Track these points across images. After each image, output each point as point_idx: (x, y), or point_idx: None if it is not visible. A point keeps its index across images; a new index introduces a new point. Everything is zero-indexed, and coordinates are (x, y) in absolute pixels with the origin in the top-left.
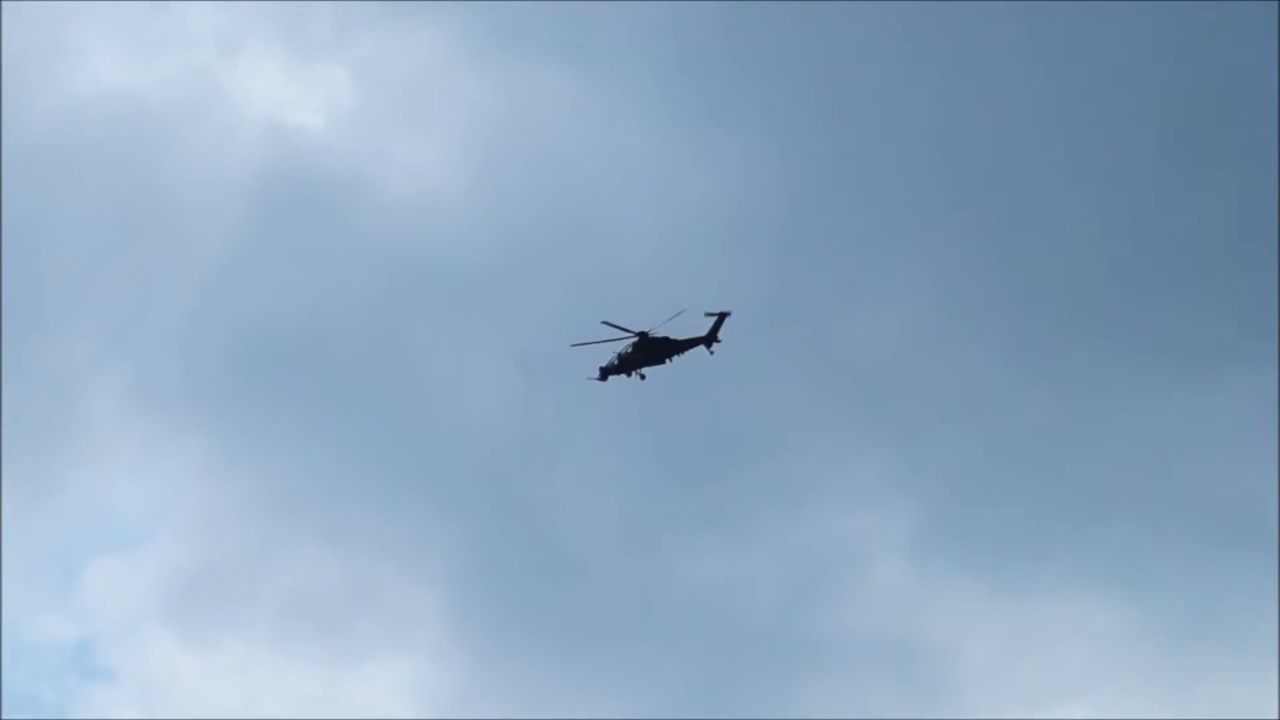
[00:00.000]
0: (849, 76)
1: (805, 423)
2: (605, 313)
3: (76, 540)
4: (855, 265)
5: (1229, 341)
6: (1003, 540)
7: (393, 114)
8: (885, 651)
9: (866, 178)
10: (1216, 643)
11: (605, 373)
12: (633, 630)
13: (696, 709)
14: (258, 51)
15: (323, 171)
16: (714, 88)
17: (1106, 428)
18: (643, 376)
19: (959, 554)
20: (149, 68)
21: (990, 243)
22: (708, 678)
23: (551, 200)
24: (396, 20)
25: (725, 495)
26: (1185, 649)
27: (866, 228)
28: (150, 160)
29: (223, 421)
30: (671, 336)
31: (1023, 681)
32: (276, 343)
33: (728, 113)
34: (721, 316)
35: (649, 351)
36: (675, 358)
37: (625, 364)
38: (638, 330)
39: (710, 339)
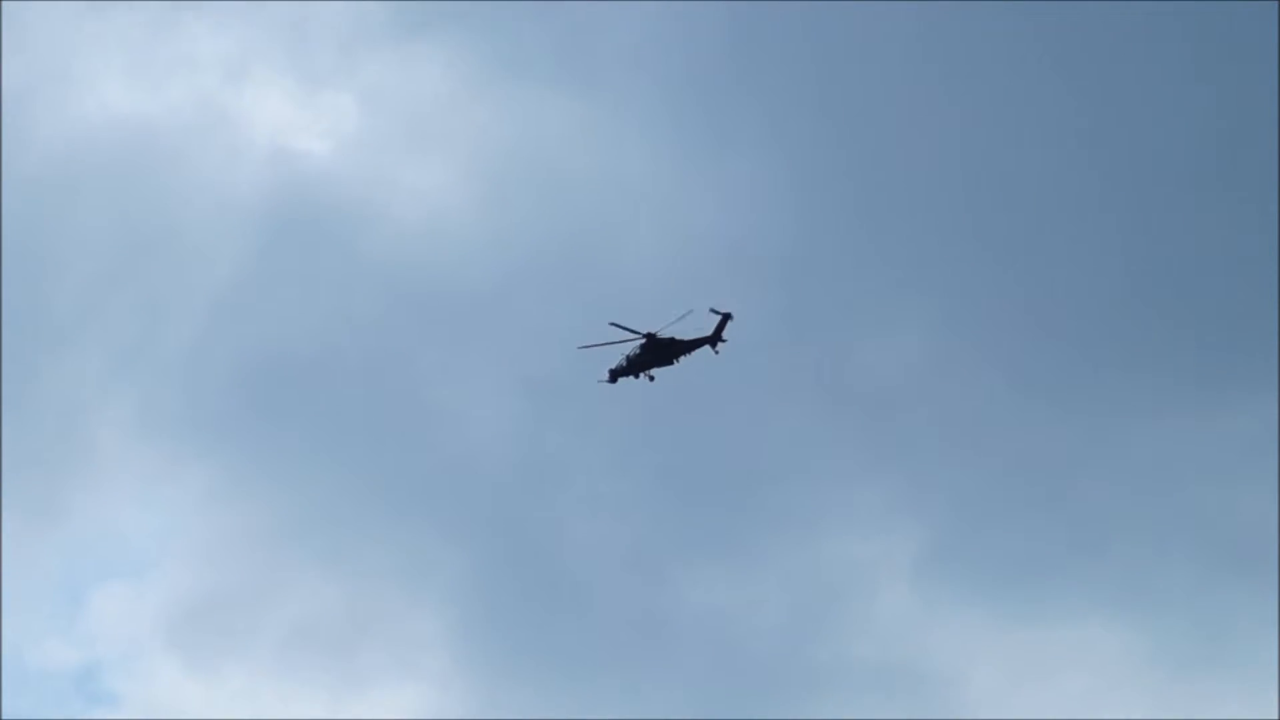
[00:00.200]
0: (857, 99)
1: (810, 448)
2: (611, 337)
3: (81, 566)
4: (861, 290)
5: (1233, 366)
6: (1007, 566)
7: (399, 139)
8: (890, 678)
9: (873, 202)
10: (1222, 669)
11: (614, 375)
12: (638, 656)
13: None
14: (264, 77)
15: (328, 197)
16: (720, 111)
17: (1111, 453)
18: (651, 378)
19: (964, 580)
20: (156, 93)
21: (995, 268)
22: (712, 703)
23: (557, 225)
24: (402, 46)
25: (730, 520)
26: (1190, 675)
27: (872, 252)
28: (157, 186)
29: (228, 447)
30: (677, 337)
31: (1027, 708)
32: (282, 368)
33: (734, 136)
34: (725, 317)
35: (656, 352)
36: (682, 358)
37: (633, 366)
38: (645, 332)
39: (715, 339)
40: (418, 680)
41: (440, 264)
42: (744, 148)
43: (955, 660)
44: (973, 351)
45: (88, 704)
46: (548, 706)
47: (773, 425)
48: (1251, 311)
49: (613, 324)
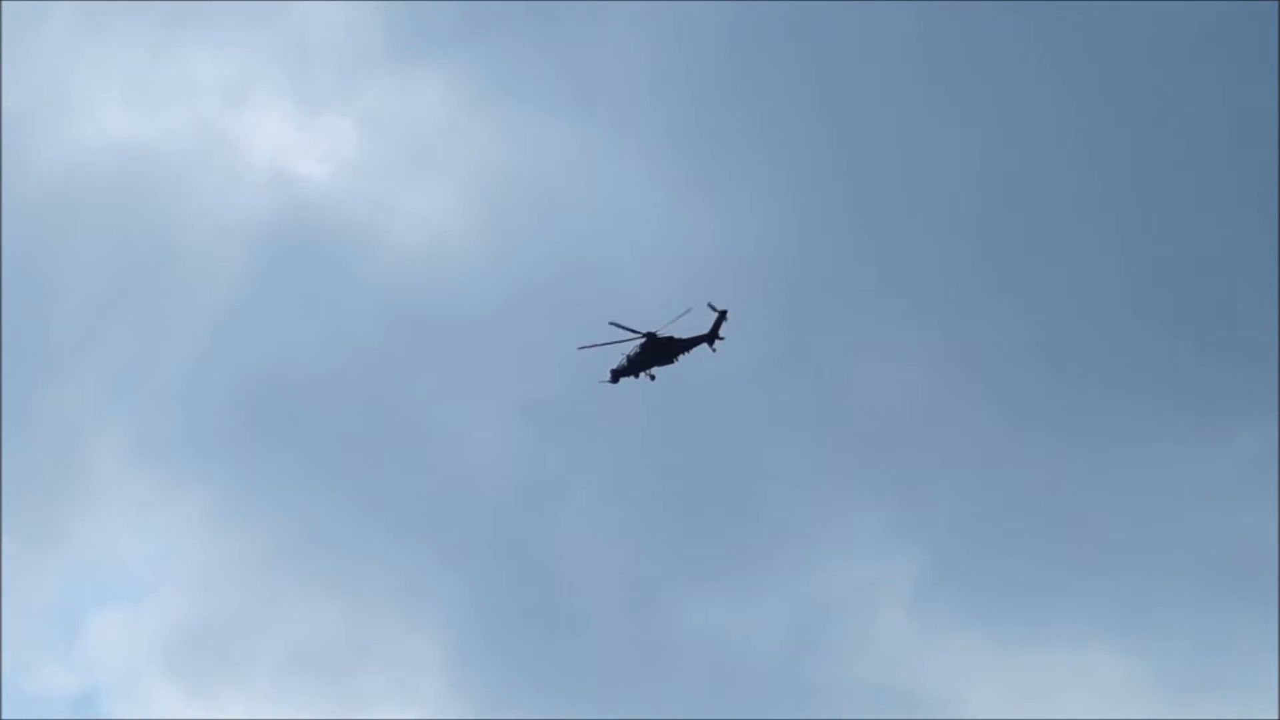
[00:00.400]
0: (858, 124)
1: (809, 471)
2: (611, 362)
3: (79, 591)
4: (860, 314)
5: (1232, 387)
6: (1006, 590)
7: (398, 164)
8: (888, 702)
9: (874, 226)
10: (1222, 693)
11: (616, 375)
12: (636, 679)
13: None
14: (263, 101)
15: (328, 221)
16: (719, 135)
17: (1110, 476)
18: (652, 377)
19: (962, 604)
20: (155, 117)
21: (994, 292)
22: None
23: (556, 248)
24: (402, 70)
25: (729, 544)
26: (1191, 699)
27: (872, 276)
28: (156, 209)
29: (227, 471)
30: (676, 336)
31: None
32: (281, 392)
33: (733, 160)
34: (721, 314)
35: (656, 351)
36: (681, 356)
37: (634, 365)
38: (645, 331)
39: (712, 336)
40: (416, 704)
41: (439, 287)
42: (743, 171)
43: (953, 684)
44: (971, 375)
45: None
46: None
47: (772, 448)
48: (1250, 332)
49: (612, 323)
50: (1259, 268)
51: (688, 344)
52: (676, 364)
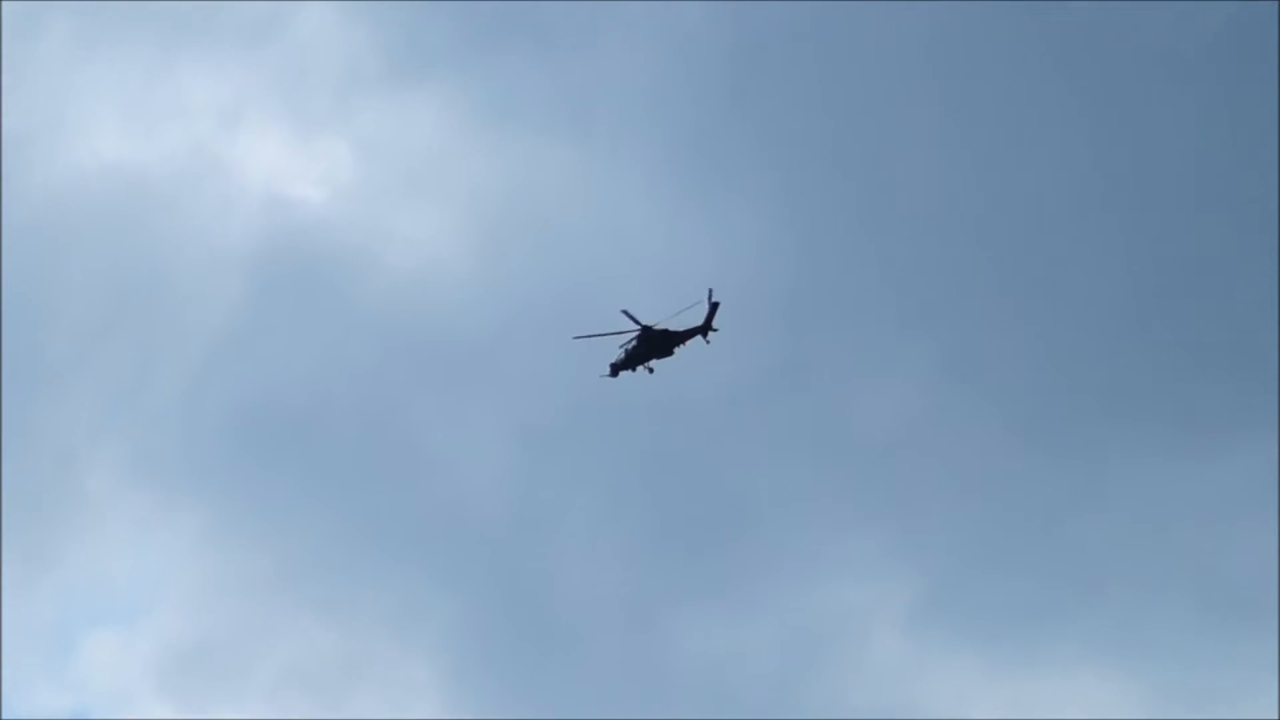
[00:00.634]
0: (855, 147)
1: (805, 494)
2: (606, 387)
3: (72, 612)
4: (856, 337)
5: (1230, 410)
6: (1002, 613)
7: (393, 187)
8: None
9: (871, 249)
10: (1219, 716)
11: (615, 369)
12: (632, 701)
13: None
14: (258, 124)
15: (323, 245)
16: (716, 158)
17: (1106, 498)
18: (650, 370)
19: (958, 627)
20: (149, 140)
21: (991, 314)
22: None
23: (553, 273)
24: (397, 93)
25: (724, 567)
26: None
27: (869, 299)
28: (150, 233)
29: (221, 494)
30: (671, 328)
31: None
32: (275, 415)
33: (730, 183)
34: (714, 305)
35: (653, 344)
36: (678, 348)
37: (632, 359)
38: (642, 324)
39: (706, 328)
40: None
41: (434, 311)
42: (740, 195)
43: (949, 707)
44: (968, 398)
45: None
46: None
47: (767, 470)
48: (1248, 352)
49: (624, 312)
50: (1259, 284)
51: (683, 336)
52: (674, 356)
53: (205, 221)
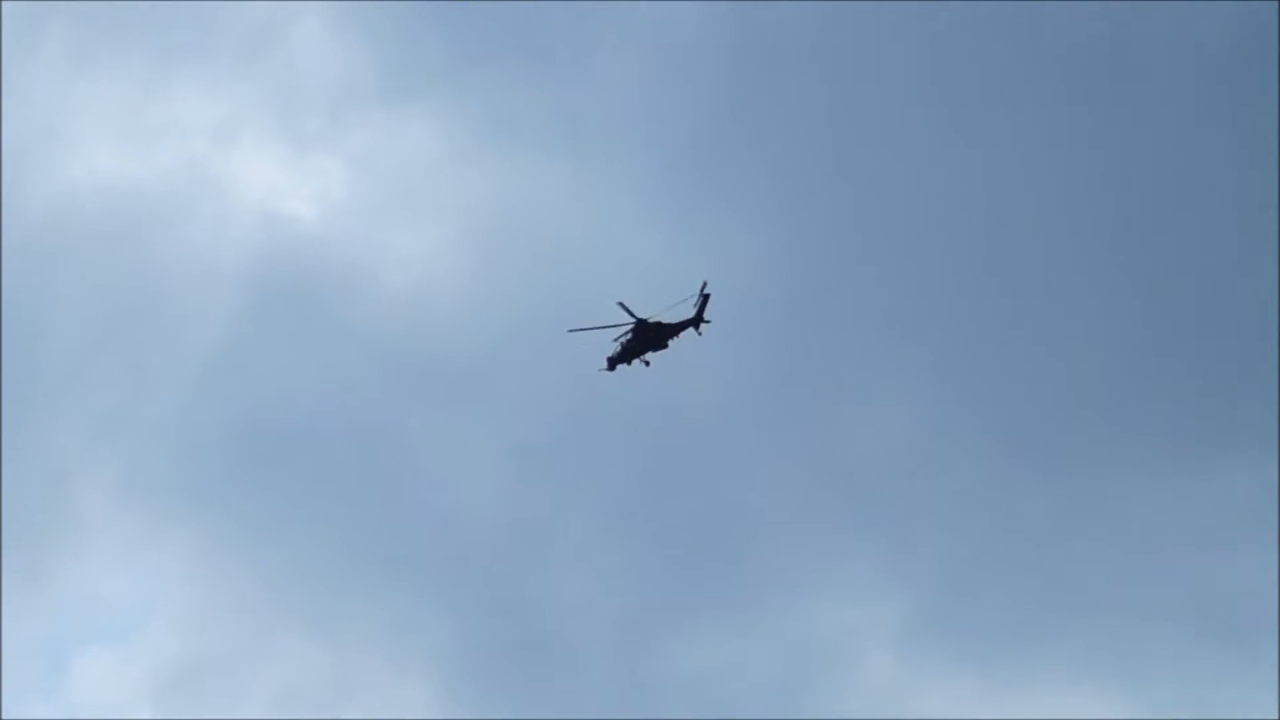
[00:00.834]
0: (851, 166)
1: (799, 513)
2: (600, 404)
3: (66, 631)
4: (852, 356)
5: (1224, 429)
6: (995, 633)
7: (387, 204)
8: None
9: (865, 269)
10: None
11: (612, 363)
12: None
13: None
14: (252, 142)
15: (317, 262)
16: (711, 175)
17: (1100, 518)
18: (647, 363)
19: (951, 646)
20: (144, 158)
21: (985, 335)
22: None
23: (547, 289)
24: (390, 111)
25: (718, 585)
26: None
27: (864, 319)
28: (145, 250)
29: (213, 512)
30: (664, 321)
31: None
32: (269, 433)
33: (725, 202)
34: (705, 297)
35: (647, 336)
36: (671, 341)
37: (628, 352)
38: (636, 317)
39: (698, 320)
40: None
41: (428, 328)
42: (735, 210)
43: None
44: (961, 418)
45: None
46: None
47: (761, 491)
48: (1246, 371)
49: (619, 303)
50: (1257, 302)
51: (676, 328)
52: (668, 348)
53: (200, 238)
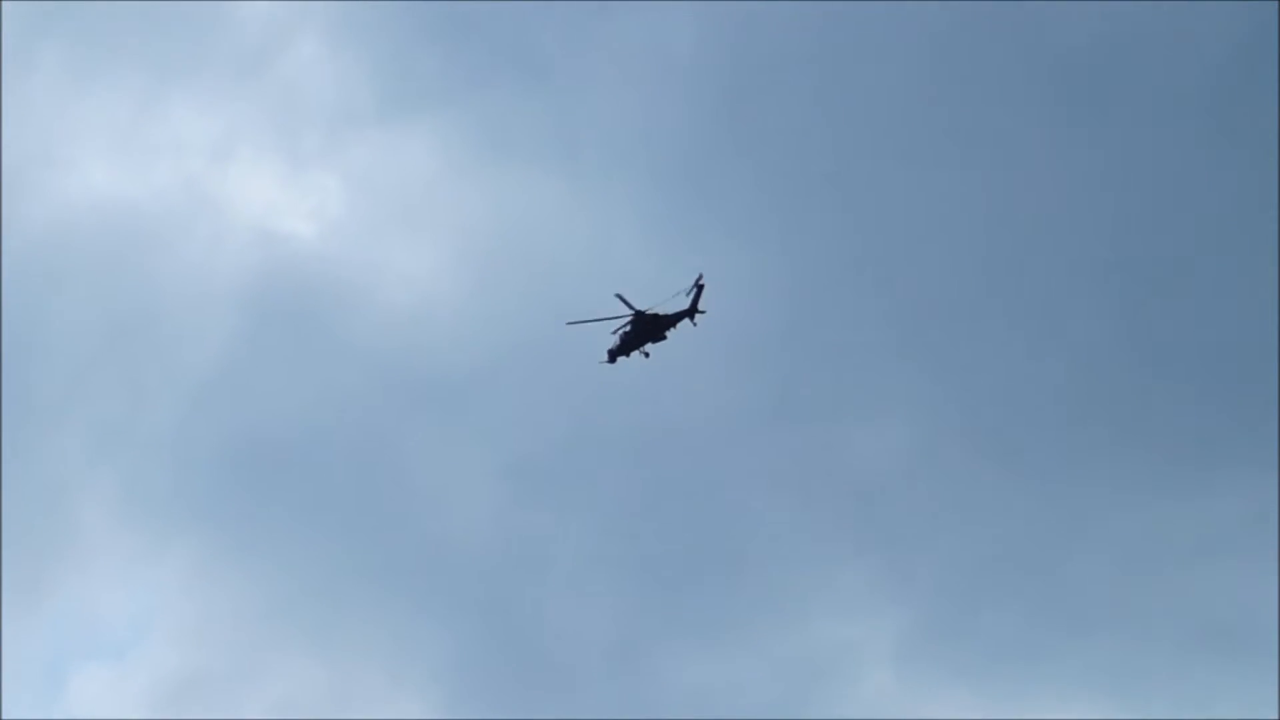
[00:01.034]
0: (847, 183)
1: (795, 530)
2: (598, 421)
3: (64, 647)
4: (846, 373)
5: (1222, 444)
6: (992, 649)
7: (385, 222)
8: None
9: (861, 286)
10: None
11: (613, 355)
12: None
13: None
14: (250, 159)
15: (314, 279)
16: (708, 191)
17: (1098, 535)
18: (646, 354)
19: (948, 663)
20: (142, 176)
21: (979, 351)
22: None
23: (544, 307)
24: (388, 128)
25: (714, 603)
26: None
27: (858, 335)
28: (142, 267)
29: (211, 528)
30: (660, 313)
31: None
32: (266, 450)
33: (722, 217)
34: (699, 287)
35: (645, 328)
36: (669, 331)
37: (627, 344)
38: (635, 309)
39: (692, 310)
40: None
41: (426, 346)
42: (732, 228)
43: None
44: (957, 435)
45: None
46: None
47: (757, 505)
48: (1244, 386)
49: (617, 295)
50: (1255, 315)
51: (673, 319)
52: (666, 339)
53: (197, 256)
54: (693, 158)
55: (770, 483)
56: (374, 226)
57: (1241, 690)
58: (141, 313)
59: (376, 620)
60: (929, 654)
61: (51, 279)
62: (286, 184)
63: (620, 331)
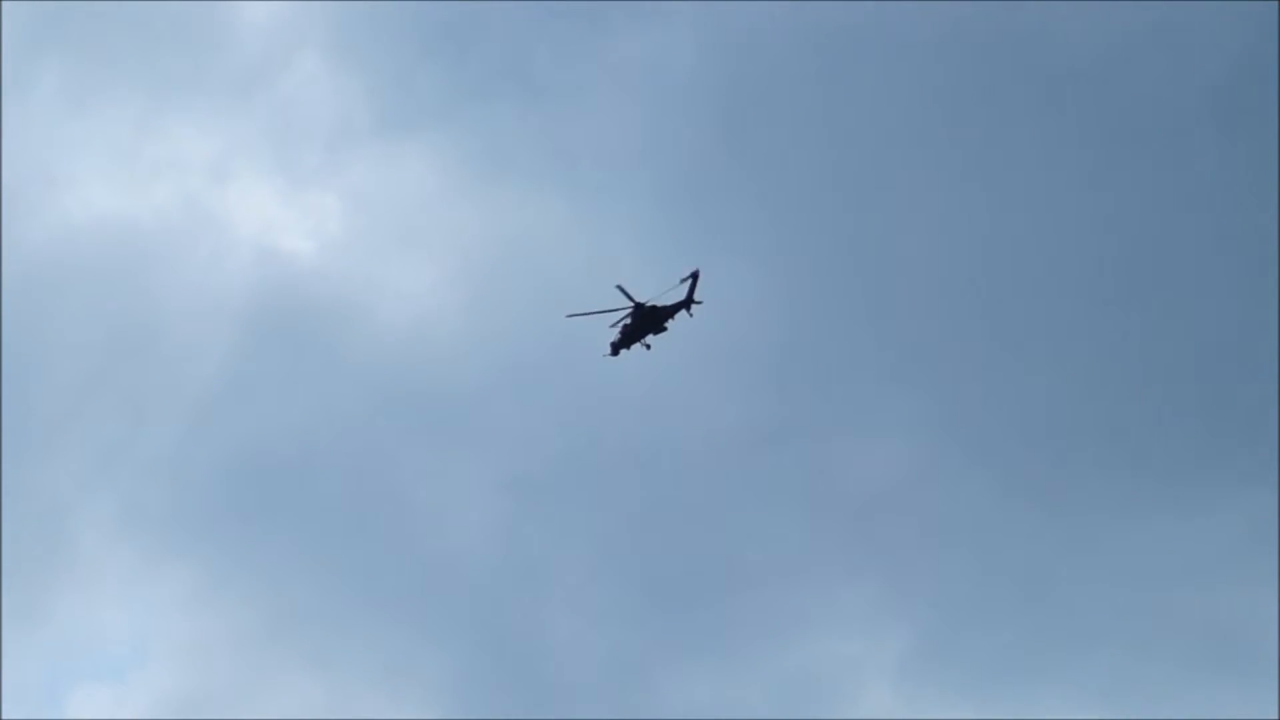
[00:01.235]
0: (846, 200)
1: (795, 548)
2: (597, 439)
3: (64, 669)
4: (846, 392)
5: (1219, 464)
6: (992, 667)
7: (383, 239)
8: None
9: (860, 305)
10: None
11: (616, 348)
12: None
13: None
14: (248, 178)
15: (313, 297)
16: (706, 210)
17: (1097, 553)
18: (648, 346)
19: (948, 681)
20: (141, 195)
21: (979, 371)
22: None
23: (542, 324)
24: (387, 147)
25: (714, 621)
26: None
27: (858, 354)
28: (142, 286)
29: (210, 548)
30: (659, 304)
31: None
32: (265, 468)
33: (721, 237)
34: (694, 276)
35: (646, 320)
36: (669, 322)
37: (628, 337)
38: (635, 301)
39: (689, 301)
40: None
41: (425, 363)
42: (730, 246)
43: None
44: (957, 453)
45: None
46: None
47: (757, 526)
48: (1243, 407)
49: (618, 286)
50: (1254, 334)
51: (671, 310)
52: (667, 330)
53: (196, 274)
54: (690, 174)
55: (771, 500)
56: (373, 244)
57: (1241, 708)
58: (141, 331)
59: (376, 639)
60: (929, 671)
61: (51, 297)
62: (285, 201)
63: (621, 324)
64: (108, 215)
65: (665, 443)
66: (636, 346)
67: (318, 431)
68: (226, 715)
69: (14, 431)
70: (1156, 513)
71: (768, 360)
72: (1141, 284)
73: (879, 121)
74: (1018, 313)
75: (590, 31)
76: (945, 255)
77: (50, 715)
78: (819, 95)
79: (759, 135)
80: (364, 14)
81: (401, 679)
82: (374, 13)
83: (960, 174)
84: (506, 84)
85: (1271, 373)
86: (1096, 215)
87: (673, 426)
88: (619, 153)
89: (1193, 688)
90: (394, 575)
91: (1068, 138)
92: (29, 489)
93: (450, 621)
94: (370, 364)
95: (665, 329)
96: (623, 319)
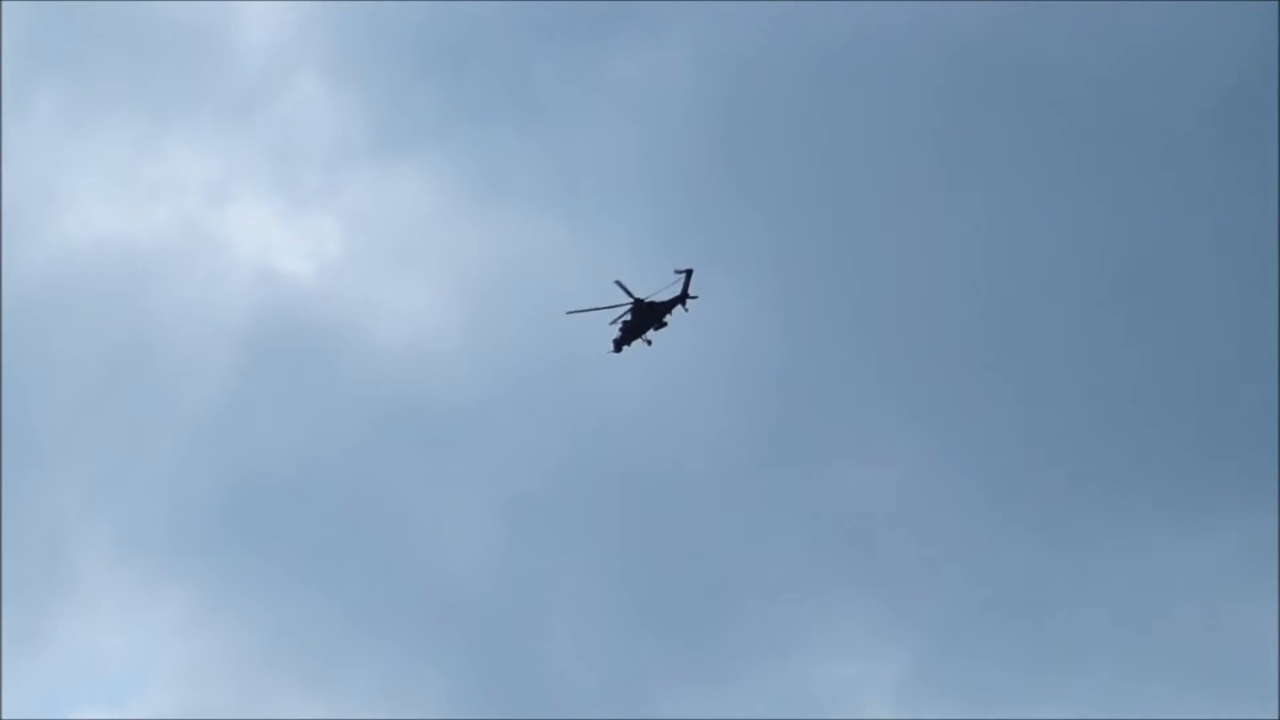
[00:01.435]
0: (845, 222)
1: (792, 570)
2: (596, 457)
3: (63, 692)
4: (844, 414)
5: (1218, 484)
6: (990, 688)
7: (382, 260)
8: None
9: (859, 326)
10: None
11: (618, 345)
12: None
13: None
14: (247, 199)
15: (312, 318)
16: (704, 230)
17: (1093, 574)
18: (649, 342)
19: (946, 702)
20: (140, 216)
21: (977, 393)
22: None
23: (540, 344)
24: (385, 168)
25: (713, 641)
26: None
27: (857, 376)
28: (141, 306)
29: (209, 569)
30: (656, 301)
31: None
32: (264, 490)
33: (719, 257)
34: (688, 273)
35: (644, 316)
36: (667, 317)
37: (629, 333)
38: (634, 298)
39: (684, 297)
40: None
41: (423, 384)
42: (729, 268)
43: None
44: (955, 474)
45: None
46: None
47: (756, 545)
48: (1242, 429)
49: (617, 282)
50: (1251, 355)
51: (668, 306)
52: (667, 325)
53: (195, 295)
54: (689, 193)
55: (769, 521)
56: (371, 264)
57: None
58: (140, 351)
59: (374, 659)
60: (928, 693)
61: (50, 317)
62: (284, 222)
63: (620, 321)
64: (107, 235)
65: (662, 462)
66: (638, 344)
67: (316, 452)
68: None
69: (13, 453)
70: (1156, 533)
71: (766, 379)
72: (1141, 303)
73: (877, 139)
74: (1019, 332)
75: (588, 51)
76: (944, 275)
77: None
78: (817, 113)
79: (758, 154)
80: (362, 34)
81: (399, 699)
82: (372, 33)
83: (959, 193)
84: (504, 103)
85: (1272, 393)
86: (1096, 237)
87: (670, 447)
88: (617, 171)
89: (1191, 709)
90: (392, 596)
91: (1067, 159)
92: (28, 511)
93: (448, 641)
94: (369, 384)
95: (665, 324)
96: (622, 315)
